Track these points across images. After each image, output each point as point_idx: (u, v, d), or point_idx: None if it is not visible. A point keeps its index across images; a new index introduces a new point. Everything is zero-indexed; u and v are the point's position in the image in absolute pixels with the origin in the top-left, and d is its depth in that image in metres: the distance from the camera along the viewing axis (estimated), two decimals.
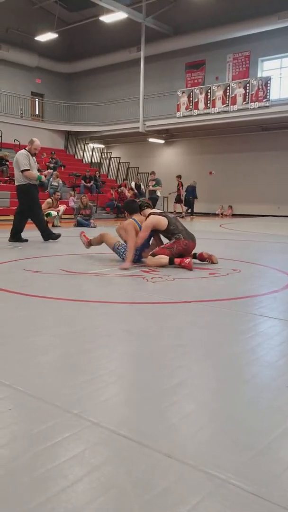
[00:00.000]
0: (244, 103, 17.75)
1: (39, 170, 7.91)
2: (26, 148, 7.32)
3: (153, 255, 4.99)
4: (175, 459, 1.35)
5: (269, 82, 17.35)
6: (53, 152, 19.63)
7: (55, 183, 15.24)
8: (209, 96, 18.64)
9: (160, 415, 1.62)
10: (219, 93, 18.35)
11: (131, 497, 1.18)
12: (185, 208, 18.87)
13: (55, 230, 7.73)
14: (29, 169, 7.12)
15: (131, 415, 1.63)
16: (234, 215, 19.64)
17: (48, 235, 7.49)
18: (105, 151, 23.64)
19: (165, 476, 1.27)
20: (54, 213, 11.32)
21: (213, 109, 18.54)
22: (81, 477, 1.26)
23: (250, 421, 1.59)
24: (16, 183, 7.35)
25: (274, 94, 17.42)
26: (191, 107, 19.16)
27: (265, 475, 1.28)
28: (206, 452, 1.39)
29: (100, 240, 5.52)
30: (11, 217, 7.52)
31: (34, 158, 7.30)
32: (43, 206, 11.56)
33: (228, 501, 1.17)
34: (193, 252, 5.13)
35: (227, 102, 18.14)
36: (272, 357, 2.23)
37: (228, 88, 18.15)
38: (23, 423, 1.56)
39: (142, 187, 20.55)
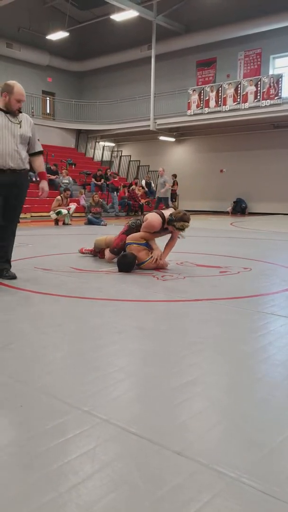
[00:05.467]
0: (255, 100, 17.62)
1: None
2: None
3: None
4: (186, 457, 1.34)
5: (280, 79, 17.20)
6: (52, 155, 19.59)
7: (66, 180, 15.29)
8: (220, 94, 18.53)
9: (171, 413, 1.62)
10: (230, 91, 18.23)
11: (142, 493, 1.18)
12: None
13: (66, 228, 7.72)
14: None
15: (142, 412, 1.63)
16: (244, 213, 19.51)
17: None
18: (116, 149, 23.65)
19: (176, 474, 1.26)
20: (64, 211, 11.35)
21: (224, 107, 18.43)
22: (92, 473, 1.26)
23: (261, 420, 1.59)
24: None
25: (285, 92, 17.25)
26: (202, 105, 19.07)
27: (276, 474, 1.27)
28: (217, 450, 1.39)
29: (101, 245, 5.23)
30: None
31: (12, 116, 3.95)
32: (53, 204, 11.59)
33: (239, 499, 1.16)
34: None
35: (238, 100, 18.03)
36: (284, 356, 2.21)
37: (239, 85, 18.04)
38: (34, 420, 1.56)
39: (153, 185, 20.59)
